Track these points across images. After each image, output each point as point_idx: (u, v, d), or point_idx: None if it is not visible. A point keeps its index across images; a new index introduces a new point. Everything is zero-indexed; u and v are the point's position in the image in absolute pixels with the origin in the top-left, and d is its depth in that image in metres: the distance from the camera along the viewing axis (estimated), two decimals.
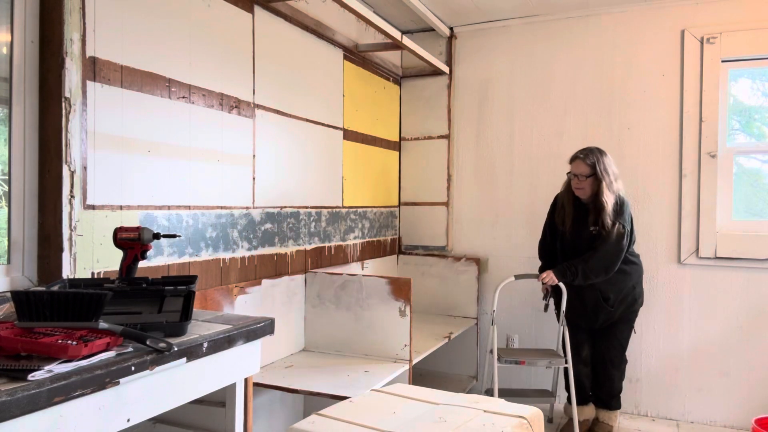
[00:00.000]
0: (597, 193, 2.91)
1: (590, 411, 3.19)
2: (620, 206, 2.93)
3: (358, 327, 2.78)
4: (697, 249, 3.32)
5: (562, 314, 3.12)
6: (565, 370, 3.10)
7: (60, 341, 1.10)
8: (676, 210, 3.38)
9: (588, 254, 2.92)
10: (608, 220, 2.87)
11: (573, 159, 2.99)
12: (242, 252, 2.44)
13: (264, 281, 2.57)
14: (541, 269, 3.16)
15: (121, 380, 1.13)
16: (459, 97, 3.89)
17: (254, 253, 2.51)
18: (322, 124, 3.02)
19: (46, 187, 1.71)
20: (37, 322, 1.16)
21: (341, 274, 2.84)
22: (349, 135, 3.30)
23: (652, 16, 3.41)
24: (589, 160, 2.91)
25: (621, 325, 3.08)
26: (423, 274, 3.89)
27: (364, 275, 2.81)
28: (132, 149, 1.91)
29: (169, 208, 2.06)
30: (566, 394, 3.18)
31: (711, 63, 3.28)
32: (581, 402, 3.17)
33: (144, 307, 1.45)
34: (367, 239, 3.55)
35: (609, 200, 2.89)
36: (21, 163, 1.69)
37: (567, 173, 3.04)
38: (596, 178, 2.90)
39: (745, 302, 3.25)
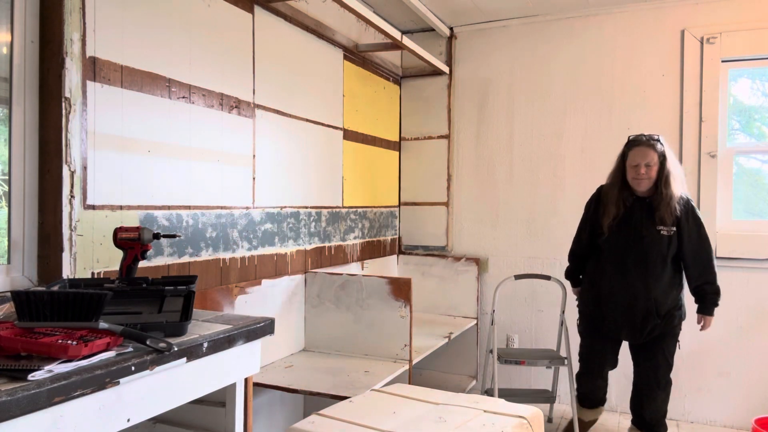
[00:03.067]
0: (661, 185, 2.57)
1: (598, 413, 3.14)
2: (689, 201, 2.65)
3: (358, 327, 2.78)
4: None
5: (563, 313, 3.12)
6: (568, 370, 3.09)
7: (60, 341, 1.10)
8: None
9: (701, 269, 2.63)
10: (688, 220, 2.59)
11: (635, 144, 2.61)
12: (242, 252, 2.44)
13: (264, 281, 2.57)
14: (569, 274, 2.98)
15: (121, 380, 1.13)
16: (459, 97, 3.89)
17: (254, 253, 2.51)
18: (322, 124, 3.02)
19: (46, 187, 1.71)
20: (37, 322, 1.16)
21: (341, 274, 2.84)
22: (349, 135, 3.30)
23: (652, 16, 3.41)
24: (659, 147, 2.57)
25: (667, 339, 2.73)
26: (423, 274, 3.89)
27: (364, 275, 2.81)
28: (132, 149, 1.91)
29: (169, 208, 2.06)
30: (567, 395, 3.17)
31: (711, 63, 3.28)
32: (591, 405, 3.06)
33: (144, 307, 1.45)
34: (367, 239, 3.55)
35: (676, 192, 2.58)
36: (21, 163, 1.69)
37: (618, 160, 2.70)
38: (662, 168, 2.57)
39: (745, 302, 3.25)
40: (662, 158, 2.58)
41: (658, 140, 2.60)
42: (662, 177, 2.58)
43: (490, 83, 3.80)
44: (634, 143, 2.62)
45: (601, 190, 2.80)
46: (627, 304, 2.67)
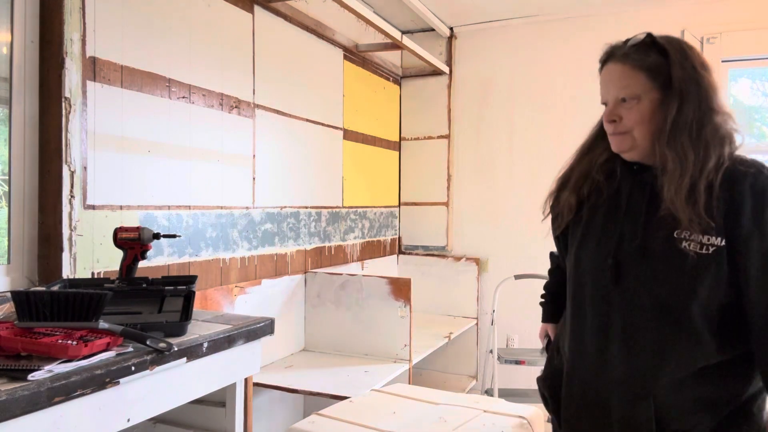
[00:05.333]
0: (663, 147, 1.15)
1: None
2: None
3: (358, 327, 2.77)
4: None
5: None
6: None
7: (60, 341, 1.10)
8: None
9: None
10: (761, 220, 1.10)
11: (604, 60, 1.35)
12: (242, 252, 2.44)
13: (264, 281, 2.57)
14: (541, 299, 1.60)
15: (121, 380, 1.13)
16: (459, 97, 3.89)
17: (254, 253, 2.51)
18: (322, 124, 3.02)
19: (46, 187, 1.71)
20: (37, 322, 1.16)
21: (341, 274, 2.84)
22: (349, 135, 3.30)
23: (652, 16, 3.41)
24: (650, 59, 1.19)
25: None
26: (423, 274, 3.89)
27: (364, 275, 2.81)
28: (132, 149, 1.91)
29: (169, 208, 2.06)
30: None
31: (711, 63, 3.27)
32: None
33: (144, 307, 1.45)
34: (367, 239, 3.55)
35: (711, 158, 1.12)
36: (21, 163, 1.69)
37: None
38: (663, 97, 1.16)
39: None
40: (660, 81, 1.16)
41: (653, 41, 1.20)
42: (665, 127, 1.14)
43: (490, 83, 3.80)
44: (604, 59, 1.35)
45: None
46: (594, 403, 1.24)
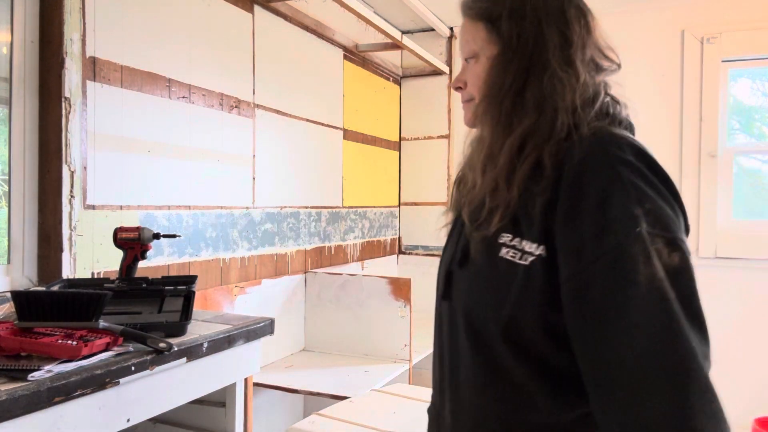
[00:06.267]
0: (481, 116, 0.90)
1: None
2: (627, 161, 0.76)
3: (358, 327, 2.77)
4: (697, 249, 3.31)
5: None
6: None
7: (60, 341, 1.10)
8: None
9: (625, 394, 0.70)
10: (592, 216, 0.74)
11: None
12: (242, 252, 2.44)
13: (264, 281, 2.57)
14: None
15: (121, 380, 1.13)
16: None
17: (254, 253, 2.51)
18: (322, 124, 3.02)
19: (46, 187, 1.71)
20: (37, 322, 1.16)
21: (341, 274, 2.84)
22: (349, 135, 3.29)
23: (652, 16, 3.41)
24: (482, 3, 0.90)
25: None
26: (423, 274, 3.88)
27: (364, 275, 2.81)
28: (132, 149, 1.91)
29: (169, 208, 2.06)
30: None
31: (711, 63, 3.28)
32: None
33: (144, 307, 1.45)
34: (367, 239, 3.55)
35: (562, 118, 0.81)
36: (21, 163, 1.69)
37: None
38: (503, 60, 0.87)
39: (745, 302, 3.25)
40: (498, 32, 0.88)
41: None
42: (505, 86, 0.86)
43: None
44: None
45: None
46: None
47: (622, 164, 0.75)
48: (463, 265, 0.89)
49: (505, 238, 0.81)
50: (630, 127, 0.91)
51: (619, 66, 0.94)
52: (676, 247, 0.72)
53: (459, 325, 0.88)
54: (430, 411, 1.02)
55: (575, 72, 0.84)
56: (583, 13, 0.88)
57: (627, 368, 0.70)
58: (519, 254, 0.80)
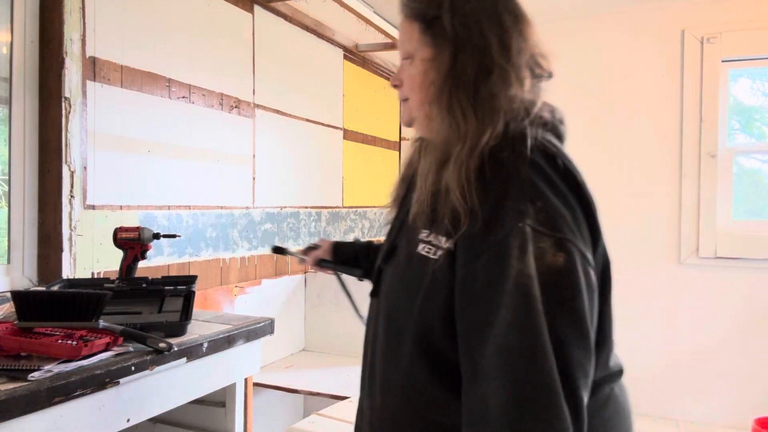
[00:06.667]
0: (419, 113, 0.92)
1: None
2: (523, 155, 0.80)
3: (358, 327, 2.77)
4: (698, 249, 3.31)
5: None
6: None
7: (60, 341, 1.10)
8: (676, 210, 3.38)
9: (477, 401, 0.75)
10: (488, 222, 0.76)
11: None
12: (242, 252, 2.44)
13: (264, 281, 2.57)
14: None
15: (121, 380, 1.13)
16: None
17: (254, 253, 2.51)
18: (322, 124, 3.02)
19: (46, 187, 1.71)
20: (37, 322, 1.16)
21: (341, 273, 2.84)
22: (349, 135, 3.29)
23: (652, 16, 3.41)
24: (418, 3, 0.90)
25: None
26: None
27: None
28: (132, 149, 1.91)
29: (169, 208, 2.06)
30: None
31: (711, 63, 3.28)
32: None
33: (144, 307, 1.45)
34: (368, 239, 3.55)
35: (475, 135, 0.81)
36: (21, 163, 1.69)
37: None
38: (436, 53, 0.87)
39: (745, 302, 3.25)
40: (433, 32, 0.87)
41: None
42: (438, 85, 0.86)
43: None
44: None
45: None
46: None
47: (525, 164, 0.78)
48: (388, 263, 0.92)
49: (424, 233, 0.83)
50: (556, 131, 0.92)
51: (550, 75, 0.94)
52: (562, 247, 0.73)
53: (380, 322, 0.91)
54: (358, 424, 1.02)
55: (515, 76, 0.85)
56: (519, 20, 0.89)
57: (485, 360, 0.72)
58: (433, 249, 0.81)
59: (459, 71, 0.83)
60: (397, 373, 0.85)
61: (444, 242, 0.80)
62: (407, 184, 1.01)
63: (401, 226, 0.94)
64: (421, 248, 0.83)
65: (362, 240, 1.40)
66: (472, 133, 0.80)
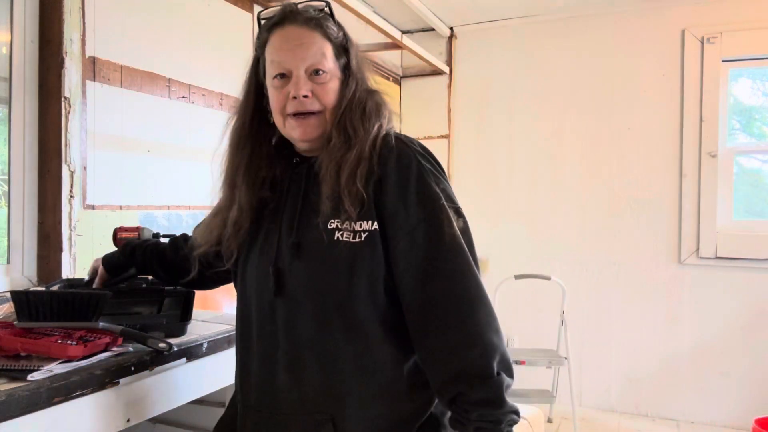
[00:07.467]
0: (345, 123, 1.04)
1: None
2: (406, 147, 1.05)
3: None
4: (698, 249, 3.31)
5: (563, 313, 3.11)
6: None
7: (60, 341, 1.10)
8: (676, 210, 3.38)
9: (447, 342, 0.96)
10: (407, 199, 0.99)
11: (278, 22, 1.13)
12: None
13: None
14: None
15: (121, 380, 1.13)
16: (459, 97, 3.89)
17: None
18: None
19: (46, 187, 1.71)
20: (37, 322, 1.16)
21: None
22: None
23: (652, 16, 3.41)
24: (331, 28, 1.10)
25: None
26: None
27: None
28: (132, 149, 1.91)
29: (168, 207, 2.06)
30: (567, 395, 3.17)
31: (711, 63, 3.28)
32: None
33: (144, 307, 1.45)
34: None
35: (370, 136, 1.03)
36: (21, 163, 1.69)
37: (250, 71, 1.32)
38: (343, 78, 1.10)
39: (745, 302, 3.25)
40: (342, 60, 1.11)
41: (332, 13, 1.11)
42: (348, 103, 1.06)
43: (490, 83, 3.80)
44: (276, 21, 1.13)
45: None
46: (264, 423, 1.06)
47: (422, 158, 1.05)
48: (295, 260, 1.01)
49: (335, 223, 0.99)
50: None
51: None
52: (460, 214, 1.03)
53: (302, 315, 1.00)
54: (246, 414, 1.09)
55: (381, 93, 1.13)
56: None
57: (441, 305, 0.96)
58: (352, 234, 0.98)
59: (362, 91, 1.09)
60: (360, 358, 0.99)
61: (369, 225, 0.98)
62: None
63: (296, 225, 1.04)
64: (340, 235, 0.98)
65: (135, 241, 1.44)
66: (374, 139, 1.02)
